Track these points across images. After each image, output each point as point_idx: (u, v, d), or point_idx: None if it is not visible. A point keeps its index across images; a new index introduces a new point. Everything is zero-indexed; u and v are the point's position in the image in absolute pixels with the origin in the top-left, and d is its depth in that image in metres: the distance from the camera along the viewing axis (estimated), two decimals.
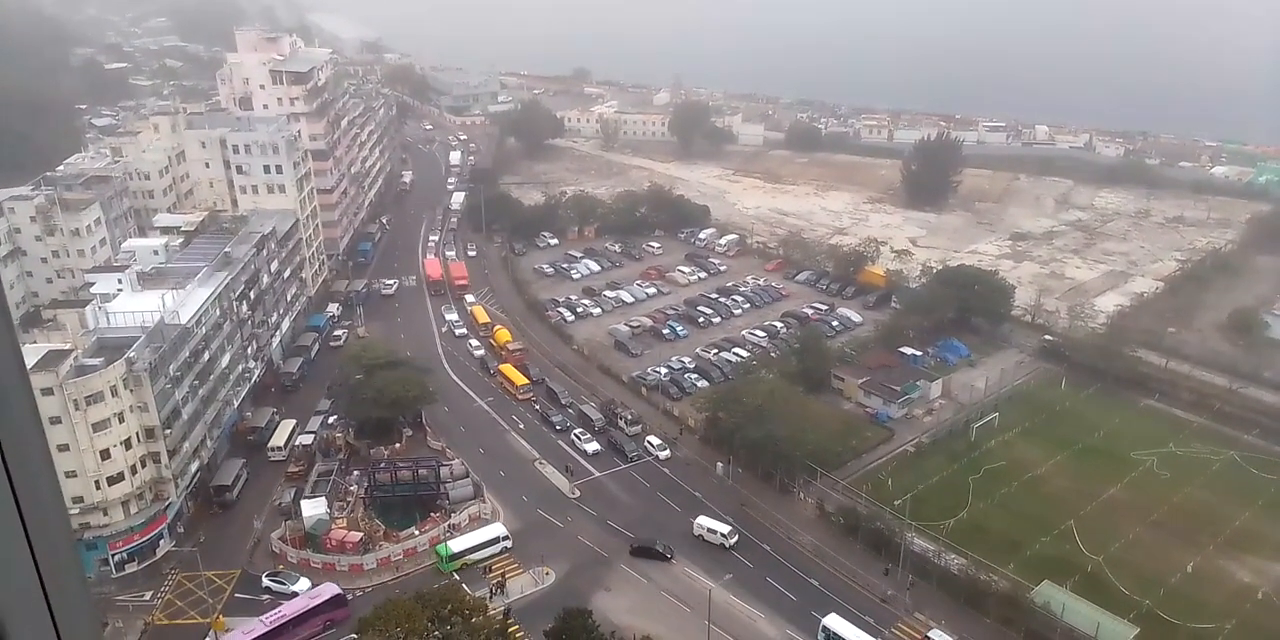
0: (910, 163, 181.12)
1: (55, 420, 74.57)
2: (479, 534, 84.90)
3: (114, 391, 78.00)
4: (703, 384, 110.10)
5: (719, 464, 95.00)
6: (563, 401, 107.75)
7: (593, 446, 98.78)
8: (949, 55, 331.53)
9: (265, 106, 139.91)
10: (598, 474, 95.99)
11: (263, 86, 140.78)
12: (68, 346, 79.44)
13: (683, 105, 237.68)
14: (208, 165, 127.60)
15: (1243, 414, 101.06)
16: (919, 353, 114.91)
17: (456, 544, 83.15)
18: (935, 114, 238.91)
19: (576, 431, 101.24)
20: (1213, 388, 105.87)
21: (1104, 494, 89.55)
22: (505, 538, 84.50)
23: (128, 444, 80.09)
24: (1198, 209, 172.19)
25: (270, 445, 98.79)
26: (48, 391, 73.41)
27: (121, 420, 79.07)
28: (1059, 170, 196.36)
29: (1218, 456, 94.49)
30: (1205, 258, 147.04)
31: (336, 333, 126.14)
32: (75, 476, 76.85)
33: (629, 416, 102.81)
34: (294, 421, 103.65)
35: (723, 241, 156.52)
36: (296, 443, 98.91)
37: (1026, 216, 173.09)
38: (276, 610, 74.66)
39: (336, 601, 76.12)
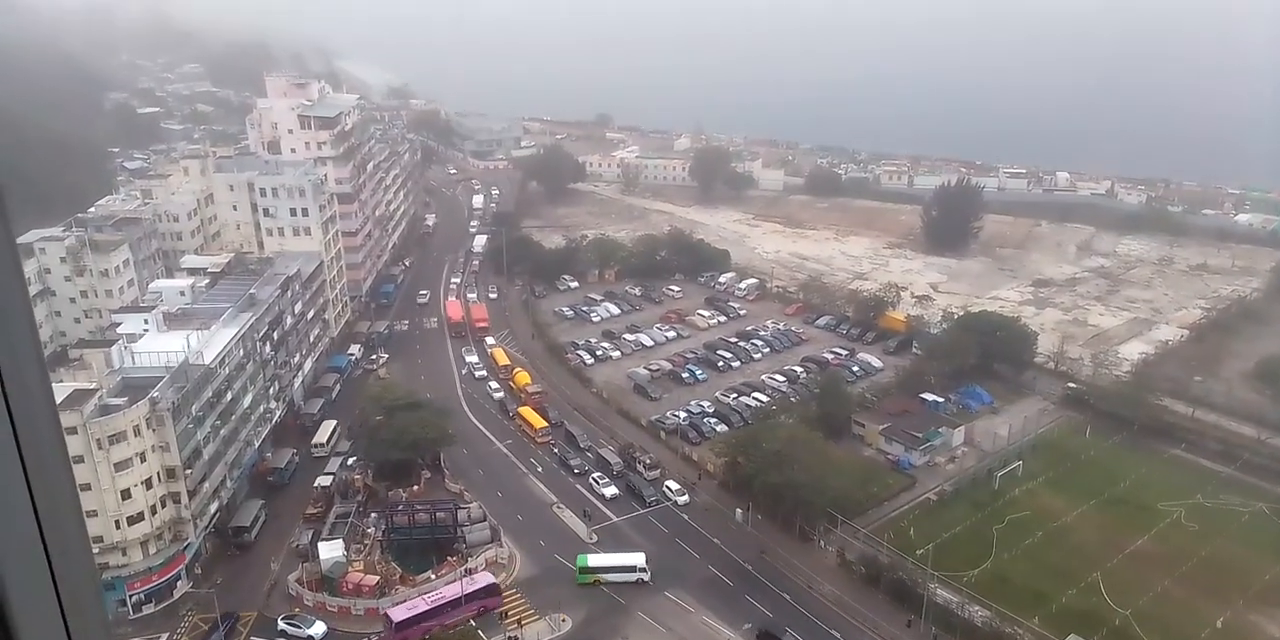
0: (930, 208, 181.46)
1: (78, 459, 74.96)
2: (619, 557, 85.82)
3: (137, 431, 78.48)
4: (722, 428, 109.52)
5: (738, 510, 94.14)
6: (581, 445, 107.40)
7: (611, 491, 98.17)
8: (969, 102, 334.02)
9: (293, 150, 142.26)
10: (616, 519, 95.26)
11: (291, 131, 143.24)
12: (92, 386, 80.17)
13: (703, 150, 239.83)
14: (235, 208, 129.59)
15: (1272, 465, 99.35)
16: (941, 399, 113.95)
17: (595, 559, 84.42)
18: (955, 160, 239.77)
19: (595, 475, 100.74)
20: (1241, 438, 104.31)
21: (1131, 546, 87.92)
22: (643, 569, 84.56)
23: (149, 484, 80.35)
24: (1222, 257, 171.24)
25: (314, 442, 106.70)
26: (71, 431, 73.87)
27: (143, 460, 79.44)
28: (1081, 217, 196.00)
29: (1247, 508, 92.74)
30: (1230, 306, 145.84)
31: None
32: (95, 516, 76.99)
33: (647, 461, 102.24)
34: (335, 422, 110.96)
35: (743, 285, 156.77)
36: (315, 484, 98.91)
37: (1048, 263, 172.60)
38: (437, 591, 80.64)
39: (491, 590, 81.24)
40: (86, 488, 75.96)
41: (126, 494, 78.71)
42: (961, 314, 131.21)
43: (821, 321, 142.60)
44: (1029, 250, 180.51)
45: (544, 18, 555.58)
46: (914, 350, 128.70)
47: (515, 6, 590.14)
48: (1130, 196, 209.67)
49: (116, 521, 78.68)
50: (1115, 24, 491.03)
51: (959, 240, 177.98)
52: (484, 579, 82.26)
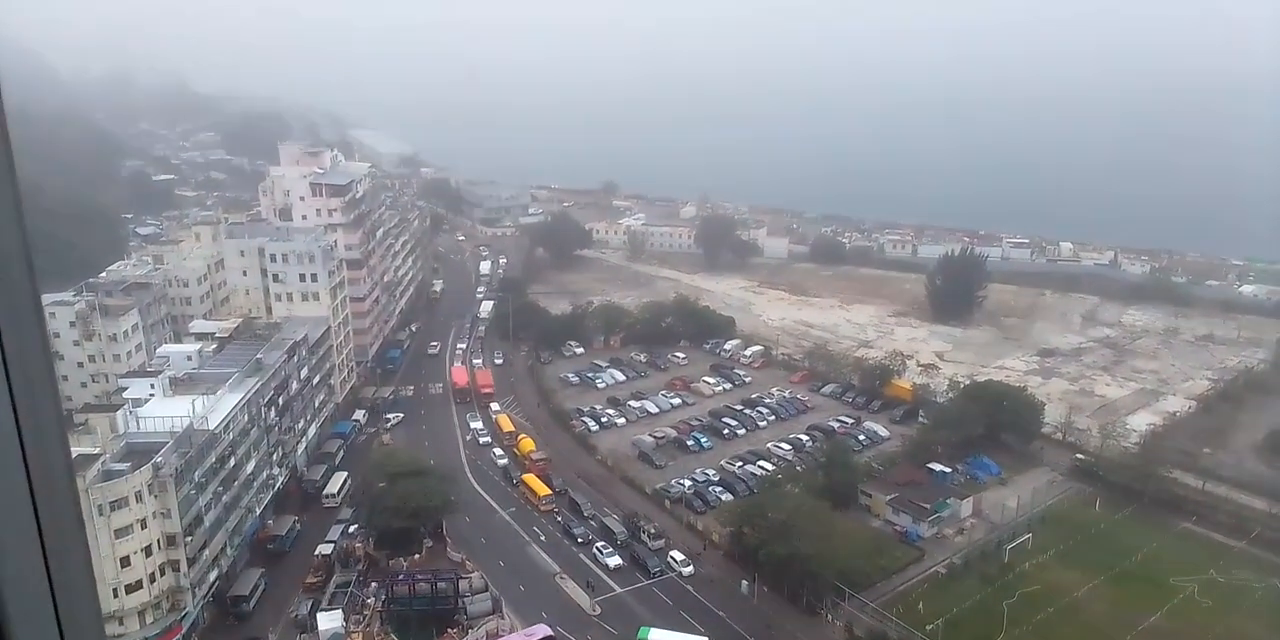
0: (935, 277, 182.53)
1: None
2: (683, 636, 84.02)
3: (138, 497, 78.05)
4: (727, 497, 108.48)
5: (744, 582, 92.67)
6: (585, 514, 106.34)
7: (615, 561, 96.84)
8: (973, 172, 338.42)
9: (304, 217, 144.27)
10: (619, 590, 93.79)
11: (303, 198, 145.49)
12: (96, 451, 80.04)
13: (708, 218, 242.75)
14: (245, 273, 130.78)
15: None
16: (948, 469, 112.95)
17: (658, 635, 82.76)
18: (959, 230, 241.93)
19: (598, 545, 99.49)
20: (1252, 511, 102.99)
21: (1144, 622, 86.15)
22: None
23: (148, 551, 79.56)
24: (1227, 327, 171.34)
25: (325, 493, 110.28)
26: None
27: (144, 526, 78.80)
28: (1085, 287, 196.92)
29: (1261, 584, 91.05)
30: (1238, 377, 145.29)
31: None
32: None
33: (652, 530, 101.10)
34: (346, 474, 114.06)
35: (748, 353, 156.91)
36: (316, 552, 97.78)
37: (1054, 332, 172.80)
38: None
39: None
40: None
41: (126, 561, 77.88)
42: (968, 383, 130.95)
43: (827, 389, 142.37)
44: (1034, 320, 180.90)
45: (552, 88, 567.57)
46: (920, 419, 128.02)
47: (523, 79, 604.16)
48: (1134, 267, 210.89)
49: (115, 590, 77.65)
50: (1117, 98, 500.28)
51: (964, 309, 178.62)
52: (541, 631, 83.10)
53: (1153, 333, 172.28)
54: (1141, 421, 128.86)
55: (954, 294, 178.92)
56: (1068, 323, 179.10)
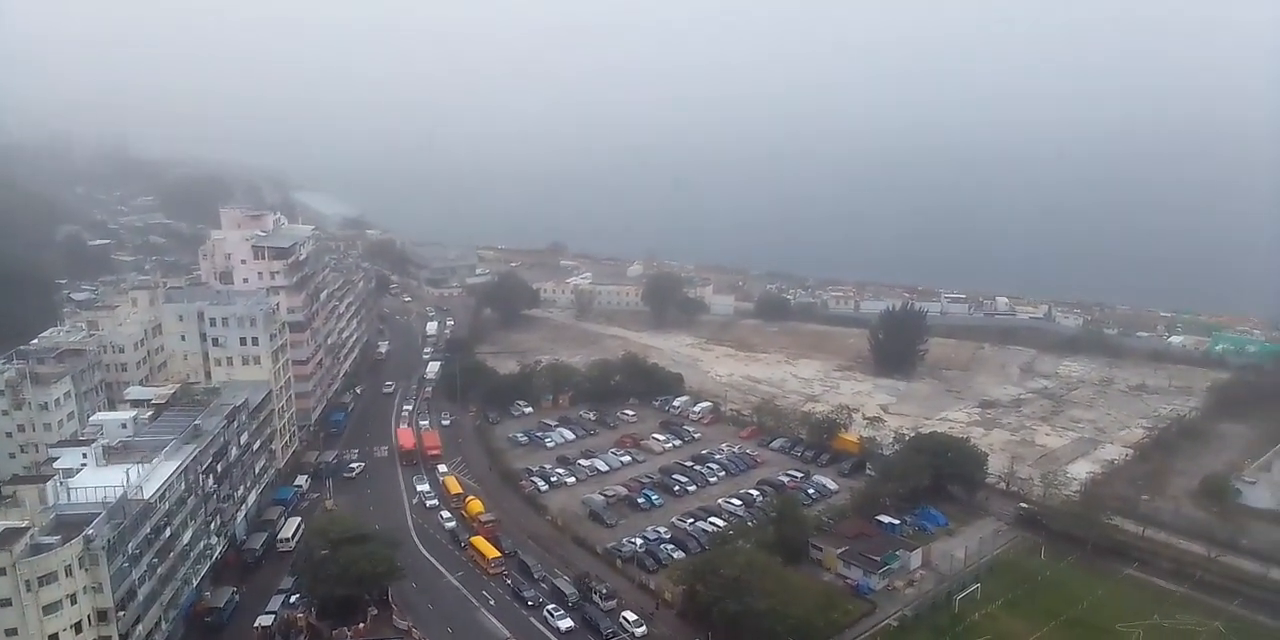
0: (877, 332, 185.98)
1: (4, 602, 71.48)
2: None
3: (68, 571, 75.14)
4: (679, 555, 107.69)
5: None
6: (535, 576, 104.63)
7: (566, 623, 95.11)
8: (911, 229, 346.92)
9: (246, 280, 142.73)
10: None
11: (244, 261, 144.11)
12: (24, 524, 77.12)
13: (655, 276, 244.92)
14: (184, 338, 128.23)
15: (1224, 583, 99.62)
16: (897, 521, 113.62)
17: None
18: (899, 285, 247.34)
19: (549, 608, 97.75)
20: (1192, 556, 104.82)
21: None
22: None
23: (78, 628, 76.35)
24: (1159, 377, 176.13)
25: (280, 537, 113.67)
26: None
27: (74, 602, 75.72)
28: (1021, 339, 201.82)
29: (1203, 627, 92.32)
30: (1171, 425, 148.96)
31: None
32: None
33: (604, 591, 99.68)
34: (300, 519, 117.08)
35: (697, 409, 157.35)
36: (256, 624, 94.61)
37: (993, 384, 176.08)
38: None
39: None
40: (13, 632, 72.14)
41: (55, 639, 74.60)
42: (913, 435, 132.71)
43: (776, 444, 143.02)
44: (974, 372, 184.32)
45: (497, 149, 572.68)
46: (868, 472, 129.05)
47: (469, 137, 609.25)
48: (1067, 320, 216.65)
49: None
50: (1044, 155, 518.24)
51: (906, 363, 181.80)
52: None
53: (1088, 383, 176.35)
54: (1081, 470, 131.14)
55: (896, 348, 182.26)
56: (1006, 374, 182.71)
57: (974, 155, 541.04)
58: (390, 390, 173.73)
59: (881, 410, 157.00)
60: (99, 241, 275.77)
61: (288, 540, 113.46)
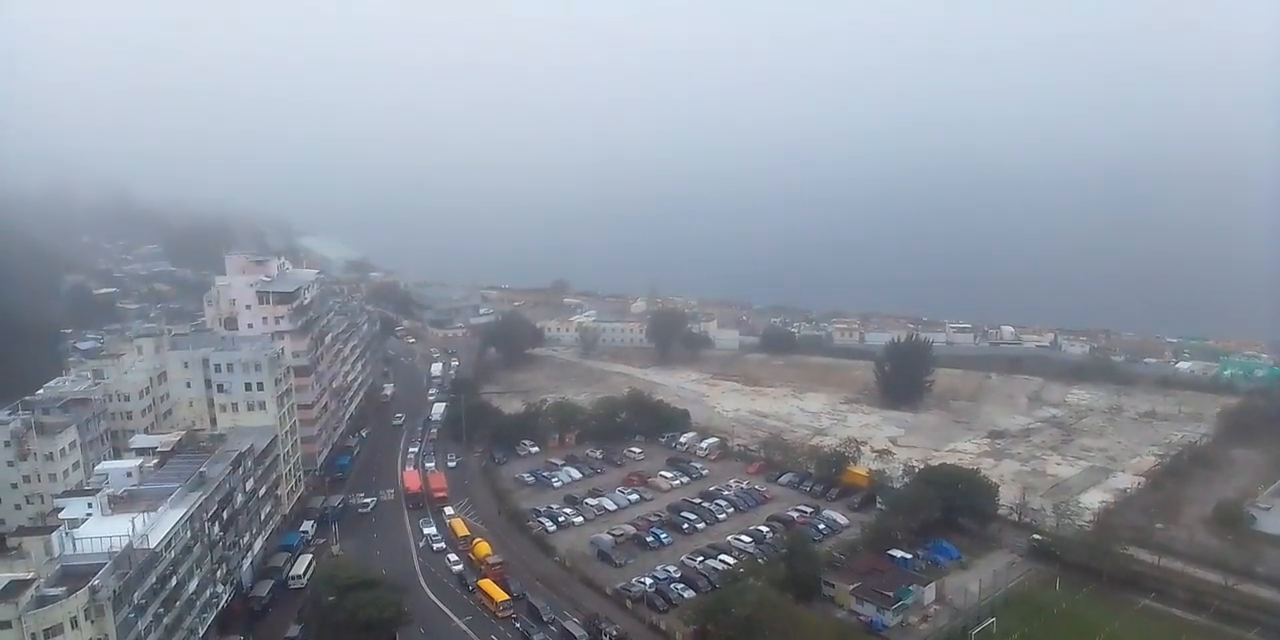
0: (884, 363, 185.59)
1: None
2: None
3: (74, 623, 74.38)
4: (689, 594, 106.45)
5: None
6: (544, 618, 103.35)
7: None
8: (914, 259, 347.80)
9: (250, 325, 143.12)
10: None
11: (249, 306, 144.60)
12: (30, 576, 76.52)
13: (659, 312, 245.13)
14: (189, 385, 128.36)
15: (1242, 612, 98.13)
16: (909, 555, 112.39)
17: None
18: (903, 316, 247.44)
19: None
20: (1208, 585, 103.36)
21: None
22: None
23: None
24: (1168, 403, 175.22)
25: (291, 574, 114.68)
26: (5, 625, 69.99)
27: None
28: (1028, 368, 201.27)
29: None
30: (1182, 452, 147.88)
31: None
32: None
33: (614, 632, 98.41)
34: (310, 557, 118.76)
35: (704, 445, 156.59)
36: None
37: (1002, 414, 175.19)
38: None
39: None
40: None
41: None
42: (922, 468, 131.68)
43: (784, 479, 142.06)
44: (982, 402, 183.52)
45: (500, 188, 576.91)
46: (878, 505, 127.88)
47: (472, 178, 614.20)
48: (1074, 347, 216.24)
49: None
50: (1046, 181, 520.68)
51: (913, 394, 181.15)
52: None
53: (1097, 411, 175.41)
54: (1094, 499, 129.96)
55: (903, 379, 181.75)
56: (1015, 404, 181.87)
57: (973, 181, 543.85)
58: (400, 422, 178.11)
59: (890, 443, 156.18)
60: (104, 290, 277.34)
61: (299, 577, 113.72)
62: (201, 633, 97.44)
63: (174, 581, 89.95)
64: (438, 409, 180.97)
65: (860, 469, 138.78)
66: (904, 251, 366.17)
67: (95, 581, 77.01)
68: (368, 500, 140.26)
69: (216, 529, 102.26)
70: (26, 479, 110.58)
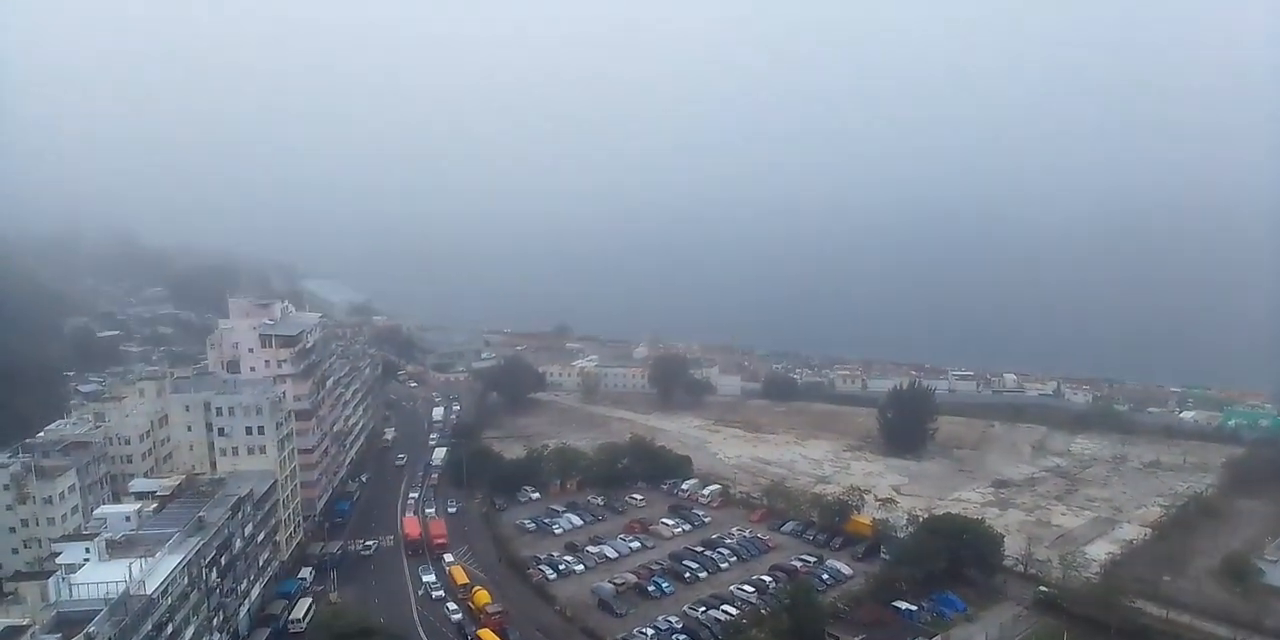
0: (886, 411, 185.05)
1: None
2: None
3: None
4: None
5: None
6: None
7: None
8: (915, 306, 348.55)
9: (253, 369, 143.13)
10: None
11: (251, 350, 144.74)
12: (25, 622, 75.60)
13: (661, 358, 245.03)
14: (189, 428, 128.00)
15: None
16: (914, 607, 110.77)
17: None
18: (905, 363, 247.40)
19: None
20: (1217, 639, 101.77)
21: None
22: None
23: None
24: (1173, 453, 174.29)
25: (291, 617, 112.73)
26: None
27: None
28: (1031, 417, 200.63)
29: None
30: (1188, 503, 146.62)
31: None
32: None
33: None
34: (310, 600, 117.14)
35: (706, 492, 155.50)
36: None
37: (1006, 463, 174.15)
38: None
39: None
40: None
41: None
42: (926, 517, 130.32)
43: (787, 527, 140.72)
44: (985, 451, 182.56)
45: (503, 232, 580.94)
46: (882, 555, 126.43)
47: (475, 222, 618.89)
48: (1077, 396, 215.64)
49: None
50: (1047, 229, 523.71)
51: (916, 442, 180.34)
52: None
53: (1101, 460, 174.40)
54: (1100, 551, 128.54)
55: (906, 427, 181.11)
56: (1018, 453, 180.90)
57: (975, 229, 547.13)
58: (401, 462, 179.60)
59: (894, 491, 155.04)
60: (107, 333, 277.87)
61: (299, 621, 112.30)
62: None
63: (170, 629, 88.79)
64: (439, 454, 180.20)
65: (864, 518, 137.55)
66: (905, 298, 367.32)
67: (91, 629, 76.02)
68: (368, 545, 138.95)
69: (214, 575, 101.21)
70: (24, 523, 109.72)
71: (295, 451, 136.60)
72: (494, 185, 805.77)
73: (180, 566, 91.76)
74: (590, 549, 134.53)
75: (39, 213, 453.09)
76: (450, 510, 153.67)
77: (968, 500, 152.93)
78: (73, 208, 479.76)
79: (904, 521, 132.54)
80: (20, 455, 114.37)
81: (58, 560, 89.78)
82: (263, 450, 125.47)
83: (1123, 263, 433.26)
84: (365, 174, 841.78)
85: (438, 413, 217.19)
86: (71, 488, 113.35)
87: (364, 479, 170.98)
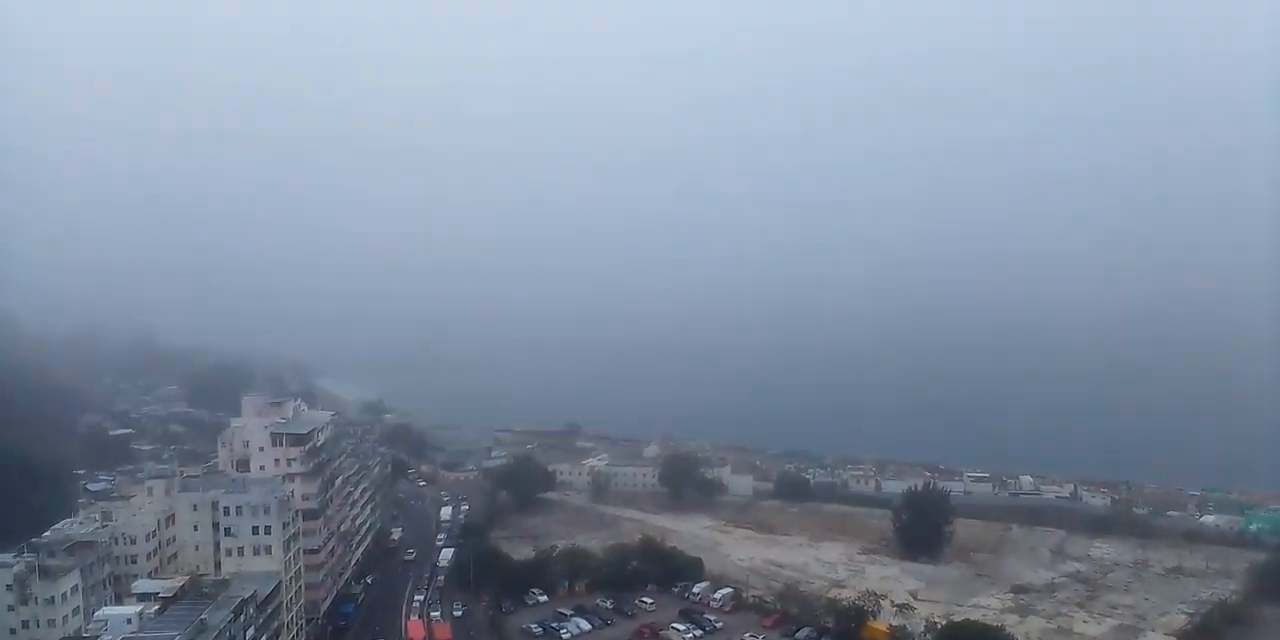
0: (901, 513, 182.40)
1: None
2: None
3: None
4: None
5: None
6: None
7: None
8: (928, 405, 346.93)
9: (262, 467, 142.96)
10: None
11: (262, 448, 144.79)
12: None
13: (672, 457, 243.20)
14: (196, 528, 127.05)
15: None
16: None
17: None
18: (919, 464, 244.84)
19: None
20: None
21: None
22: None
23: None
24: (1195, 559, 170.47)
25: None
26: None
27: None
28: (1049, 520, 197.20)
29: None
30: (1213, 610, 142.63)
31: None
32: None
33: None
34: None
35: (717, 595, 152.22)
36: None
37: (1024, 568, 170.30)
38: None
39: None
40: None
41: None
42: (945, 624, 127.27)
43: (802, 634, 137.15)
44: (1003, 555, 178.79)
45: (514, 331, 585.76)
46: None
47: (488, 322, 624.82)
48: (1095, 499, 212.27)
49: None
50: (1063, 327, 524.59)
51: (933, 545, 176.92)
52: None
53: (1123, 566, 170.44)
54: None
55: (922, 529, 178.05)
56: (1037, 557, 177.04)
57: (986, 327, 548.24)
58: (411, 558, 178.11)
59: (910, 596, 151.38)
60: (120, 431, 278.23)
61: None
62: None
63: None
64: (446, 554, 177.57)
65: (880, 624, 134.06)
66: (919, 397, 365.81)
67: None
68: None
69: None
70: (25, 624, 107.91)
71: (301, 552, 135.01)
72: (506, 289, 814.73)
73: None
74: None
75: (60, 308, 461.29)
76: (456, 614, 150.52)
77: (987, 606, 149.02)
78: (97, 308, 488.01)
79: (922, 628, 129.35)
80: (25, 555, 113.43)
81: None
82: (268, 550, 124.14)
83: (1139, 363, 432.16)
84: (376, 252, 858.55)
85: (446, 512, 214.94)
86: (74, 589, 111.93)
87: (369, 581, 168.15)
